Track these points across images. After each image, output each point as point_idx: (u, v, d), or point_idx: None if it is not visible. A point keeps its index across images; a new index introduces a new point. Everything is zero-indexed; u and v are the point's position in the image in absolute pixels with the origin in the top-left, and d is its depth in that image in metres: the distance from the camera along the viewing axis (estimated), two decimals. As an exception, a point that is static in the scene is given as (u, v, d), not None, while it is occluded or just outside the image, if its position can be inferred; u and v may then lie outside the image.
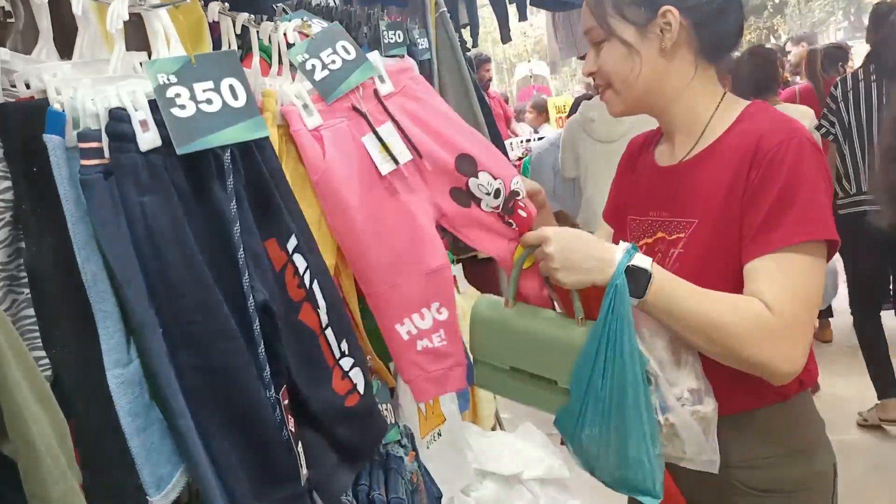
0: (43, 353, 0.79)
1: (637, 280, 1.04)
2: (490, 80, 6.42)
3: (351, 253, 1.08)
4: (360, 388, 0.98)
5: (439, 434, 2.35)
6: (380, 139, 1.09)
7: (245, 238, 0.86)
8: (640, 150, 1.36)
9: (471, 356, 1.23)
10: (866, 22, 3.55)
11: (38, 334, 0.79)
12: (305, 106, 1.07)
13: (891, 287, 3.54)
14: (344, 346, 0.97)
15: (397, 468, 1.27)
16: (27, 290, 0.80)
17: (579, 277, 1.08)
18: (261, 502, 0.83)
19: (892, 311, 3.58)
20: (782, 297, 1.03)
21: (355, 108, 1.09)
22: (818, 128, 3.24)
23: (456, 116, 1.17)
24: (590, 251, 1.08)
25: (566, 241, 1.09)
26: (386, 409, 1.29)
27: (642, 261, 1.06)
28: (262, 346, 0.85)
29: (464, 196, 1.13)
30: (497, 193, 1.12)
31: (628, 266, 1.05)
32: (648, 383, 1.07)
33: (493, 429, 2.78)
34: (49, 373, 0.79)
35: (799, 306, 1.04)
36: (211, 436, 0.80)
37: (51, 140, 0.76)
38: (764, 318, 1.03)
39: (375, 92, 1.12)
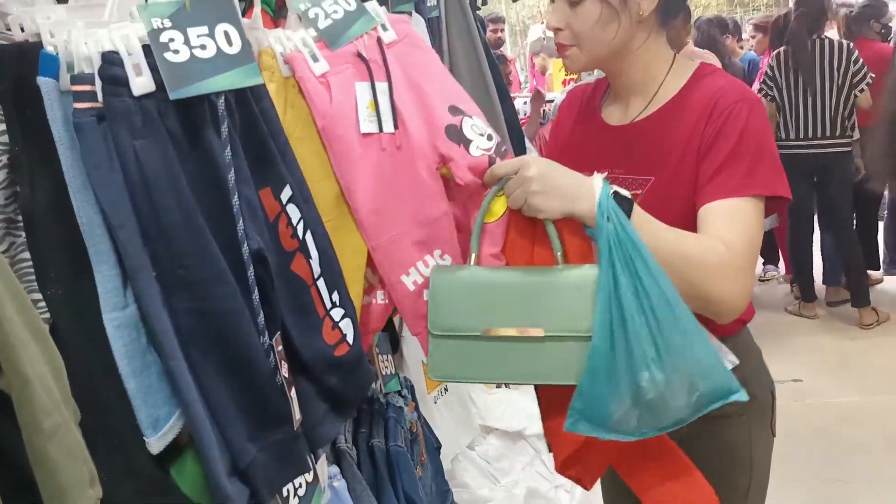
0: (40, 296, 0.80)
1: (621, 203, 1.02)
2: (501, 40, 6.31)
3: (356, 202, 1.07)
4: (350, 339, 0.98)
5: (446, 389, 2.39)
6: (374, 95, 1.07)
7: (240, 186, 0.87)
8: (586, 105, 1.37)
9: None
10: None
11: (34, 277, 0.80)
12: (311, 53, 1.06)
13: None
14: (335, 296, 0.98)
15: (397, 417, 1.29)
16: (24, 234, 0.81)
17: (560, 204, 1.02)
18: (255, 444, 0.85)
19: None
20: (738, 239, 1.07)
21: (360, 55, 1.08)
22: (759, 90, 4.20)
23: (450, 78, 1.17)
24: (570, 178, 1.04)
25: (546, 166, 1.05)
26: (387, 360, 1.31)
27: (621, 189, 1.04)
28: (257, 292, 0.86)
29: (456, 135, 1.09)
30: (490, 137, 1.09)
31: (612, 192, 1.02)
32: None
33: (498, 386, 2.81)
34: (47, 315, 0.80)
35: (750, 248, 1.09)
36: (205, 378, 0.82)
37: (45, 83, 0.77)
38: (726, 255, 1.05)
39: (379, 41, 1.11)
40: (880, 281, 4.72)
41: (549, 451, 1.20)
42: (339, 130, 1.06)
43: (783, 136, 4.20)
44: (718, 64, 3.78)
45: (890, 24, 4.41)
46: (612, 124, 1.29)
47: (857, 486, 2.75)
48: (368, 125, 1.06)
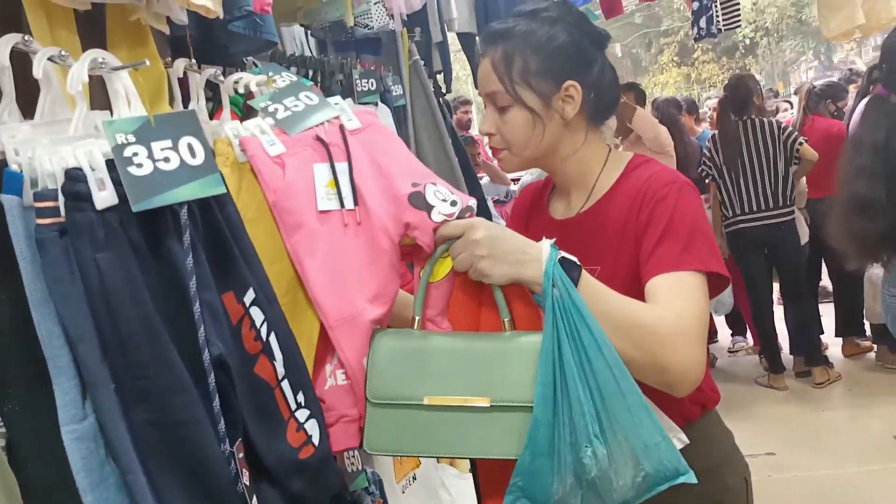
0: (-4, 412, 0.79)
1: (569, 270, 1.01)
2: (470, 121, 6.50)
3: (311, 280, 1.04)
4: (315, 441, 0.98)
5: (414, 478, 2.34)
6: (334, 174, 1.07)
7: (201, 292, 0.88)
8: (534, 202, 1.43)
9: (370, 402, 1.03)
10: (836, 61, 4.37)
11: (-9, 393, 0.79)
12: (269, 139, 1.07)
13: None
14: (300, 397, 0.98)
15: (363, 517, 1.27)
16: (-18, 348, 0.81)
17: (506, 269, 1.02)
18: (216, 557, 0.83)
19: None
20: (685, 308, 1.08)
21: (319, 139, 1.10)
22: (700, 171, 4.51)
23: (416, 160, 1.18)
24: (517, 243, 1.04)
25: (495, 230, 1.04)
26: (353, 457, 1.30)
27: (567, 255, 1.03)
28: (217, 399, 0.86)
29: (420, 201, 1.07)
30: (454, 203, 1.07)
31: (559, 257, 1.01)
32: None
33: (470, 471, 2.77)
34: (3, 430, 0.79)
35: (698, 317, 1.09)
36: (165, 491, 0.80)
37: (7, 200, 0.78)
38: (677, 322, 1.06)
39: (341, 127, 1.12)
40: (871, 349, 4.69)
41: None
42: (289, 204, 1.05)
43: (729, 212, 4.40)
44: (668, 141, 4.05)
45: (843, 108, 4.65)
46: (557, 218, 1.34)
47: (836, 563, 2.72)
48: (327, 203, 1.06)
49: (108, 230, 0.82)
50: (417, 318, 1.06)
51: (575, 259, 1.03)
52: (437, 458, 1.05)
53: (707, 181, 4.48)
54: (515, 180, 5.09)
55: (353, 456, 1.30)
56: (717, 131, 4.50)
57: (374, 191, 1.09)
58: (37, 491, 0.77)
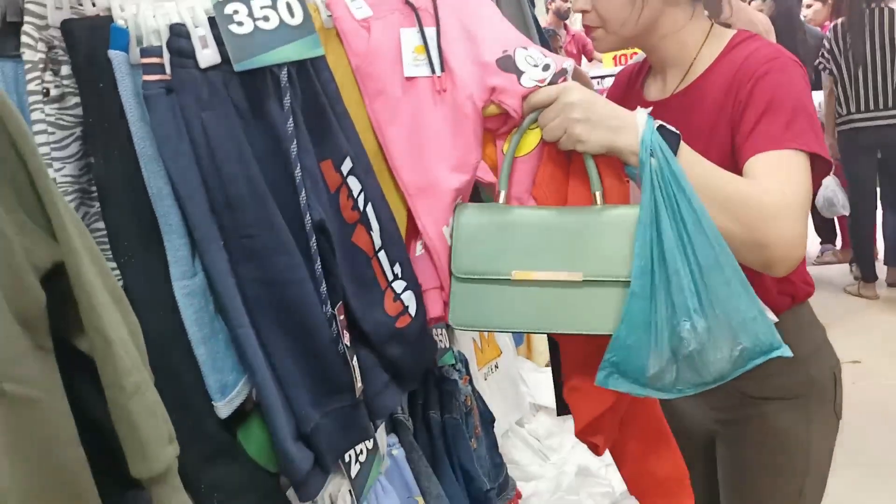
0: (114, 264, 0.82)
1: (668, 138, 0.95)
2: (569, 10, 6.04)
3: (391, 145, 1.01)
4: (412, 311, 0.99)
5: (496, 366, 2.39)
6: (424, 39, 1.03)
7: (302, 157, 0.88)
8: (628, 85, 1.35)
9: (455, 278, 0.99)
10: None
11: (108, 245, 0.83)
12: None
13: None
14: (397, 269, 0.99)
15: (452, 390, 1.30)
16: (98, 204, 0.83)
17: (602, 135, 0.96)
18: (317, 410, 0.86)
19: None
20: (789, 185, 1.01)
21: (407, 2, 1.05)
22: (817, 64, 4.17)
23: (507, 25, 1.11)
24: (613, 108, 0.98)
25: (589, 94, 0.99)
26: (440, 335, 1.32)
27: (666, 124, 0.97)
28: (319, 262, 0.88)
29: (510, 64, 1.01)
30: (546, 67, 1.01)
31: (657, 125, 0.95)
32: None
33: (548, 364, 2.81)
34: (120, 283, 0.83)
35: (803, 195, 1.02)
36: (271, 346, 0.83)
37: (115, 56, 0.79)
38: (781, 197, 0.99)
39: None
40: None
41: (559, 413, 1.13)
42: (373, 69, 1.02)
43: (843, 110, 4.10)
44: (770, 28, 3.70)
45: None
46: (651, 100, 1.26)
47: (917, 470, 2.68)
48: (414, 69, 1.02)
49: (211, 89, 0.82)
50: (503, 192, 1.01)
51: (674, 128, 0.97)
52: (523, 332, 1.01)
53: (825, 74, 4.13)
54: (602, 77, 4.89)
55: (441, 333, 1.32)
56: (841, 20, 4.07)
57: (461, 56, 1.04)
58: (151, 340, 0.79)
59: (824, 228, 4.99)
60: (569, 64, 1.02)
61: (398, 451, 1.04)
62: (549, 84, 1.00)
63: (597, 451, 1.14)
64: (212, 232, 0.81)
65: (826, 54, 4.10)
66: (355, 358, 0.91)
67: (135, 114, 0.80)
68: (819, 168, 1.08)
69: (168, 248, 0.82)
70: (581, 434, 1.10)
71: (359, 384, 0.90)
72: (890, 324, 3.96)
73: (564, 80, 1.02)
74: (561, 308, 0.94)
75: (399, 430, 1.20)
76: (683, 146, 0.98)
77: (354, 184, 0.95)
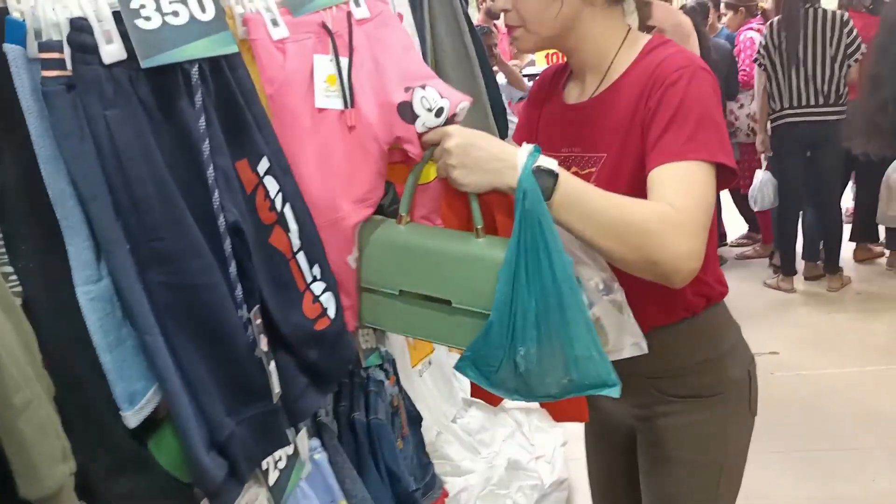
0: (11, 269, 0.78)
1: (543, 181, 0.99)
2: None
3: (304, 179, 1.01)
4: (331, 313, 0.98)
5: (429, 363, 2.39)
6: (338, 69, 1.03)
7: (215, 157, 0.85)
8: (550, 85, 1.37)
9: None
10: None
11: (5, 250, 0.78)
12: (272, 17, 1.00)
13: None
14: (316, 270, 0.97)
15: (378, 391, 1.29)
16: (-8, 205, 0.79)
17: (479, 178, 1.02)
18: (233, 418, 0.84)
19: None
20: (683, 199, 1.04)
21: (325, 27, 1.04)
22: (755, 60, 4.33)
23: (415, 56, 1.14)
24: (492, 150, 1.02)
25: (468, 138, 1.03)
26: (367, 334, 1.31)
27: (547, 161, 1.01)
28: (234, 265, 0.85)
29: (408, 113, 1.04)
30: (440, 112, 1.04)
31: (534, 166, 0.99)
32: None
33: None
34: (19, 289, 0.78)
35: (698, 208, 1.05)
36: (182, 352, 0.81)
37: (11, 49, 0.74)
38: (670, 214, 1.02)
39: (349, 14, 1.07)
40: (882, 254, 4.73)
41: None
42: (287, 100, 1.00)
43: (777, 105, 4.21)
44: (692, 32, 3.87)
45: None
46: (570, 103, 1.28)
47: (831, 457, 2.80)
48: (325, 100, 1.02)
49: (117, 87, 0.79)
50: (403, 215, 1.08)
51: (552, 166, 1.01)
52: (412, 337, 1.21)
53: (759, 70, 4.28)
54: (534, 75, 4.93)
55: (368, 334, 1.31)
56: (777, 18, 4.22)
57: (369, 93, 1.05)
58: (53, 349, 0.76)
59: (751, 220, 5.17)
60: (463, 105, 1.07)
61: (320, 456, 1.02)
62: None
63: (493, 403, 1.30)
64: (117, 235, 0.78)
65: (762, 50, 4.23)
66: (272, 363, 0.89)
67: (33, 111, 0.76)
68: (725, 176, 1.11)
69: (70, 252, 0.78)
70: (557, 420, 1.24)
71: (276, 390, 0.88)
72: (806, 316, 4.14)
73: (456, 121, 1.06)
74: (435, 323, 1.05)
75: (323, 433, 1.18)
76: (564, 179, 1.01)
77: (272, 184, 0.93)
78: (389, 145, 1.05)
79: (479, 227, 1.03)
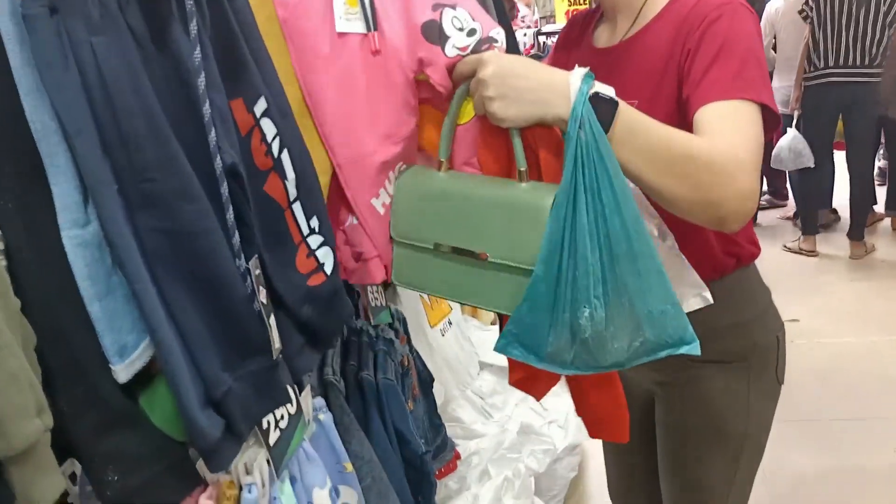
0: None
1: (602, 110, 0.88)
2: None
3: (321, 112, 0.94)
4: (327, 269, 0.91)
5: (450, 322, 2.35)
6: None
7: (211, 93, 0.78)
8: (580, 29, 1.30)
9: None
10: None
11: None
12: None
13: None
14: (314, 222, 0.90)
15: (387, 350, 1.24)
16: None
17: (523, 110, 0.90)
18: (231, 374, 0.79)
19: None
20: (738, 137, 0.96)
21: None
22: (800, 11, 4.14)
23: None
24: (538, 77, 0.90)
25: (507, 65, 0.91)
26: (376, 292, 1.25)
27: (604, 88, 0.89)
28: (231, 211, 0.79)
29: (435, 32, 0.95)
30: (472, 32, 0.95)
31: (591, 92, 0.88)
32: None
33: (493, 323, 2.77)
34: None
35: (754, 149, 0.97)
36: (175, 303, 0.75)
37: (-14, -33, 0.68)
38: (731, 151, 0.93)
39: None
40: (882, 219, 4.75)
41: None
42: (303, 24, 0.93)
43: (820, 63, 4.08)
44: None
45: None
46: (600, 47, 1.21)
47: (851, 427, 2.75)
48: (345, 24, 0.93)
49: (104, 11, 0.72)
50: (443, 160, 0.98)
51: (611, 93, 0.89)
52: (446, 299, 1.04)
53: (806, 22, 4.13)
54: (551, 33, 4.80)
55: (377, 291, 1.25)
56: None
57: (392, 15, 0.96)
58: (36, 296, 0.71)
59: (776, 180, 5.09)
60: (496, 32, 0.95)
61: (325, 416, 0.97)
62: (473, 52, 0.94)
63: (535, 396, 1.16)
64: (104, 175, 0.71)
65: (810, 2, 4.07)
66: (272, 316, 0.83)
67: (12, 36, 0.69)
68: (768, 121, 1.03)
69: (56, 193, 0.72)
70: (516, 384, 1.10)
71: (276, 345, 0.83)
72: (828, 284, 4.06)
73: (490, 48, 0.94)
74: (470, 282, 0.95)
75: (329, 392, 1.13)
76: (623, 109, 0.90)
77: (269, 127, 0.86)
78: (417, 73, 0.95)
79: (522, 169, 0.92)
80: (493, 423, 2.45)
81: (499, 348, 0.94)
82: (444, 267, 0.97)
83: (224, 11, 0.82)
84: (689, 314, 1.13)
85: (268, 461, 0.84)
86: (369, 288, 1.22)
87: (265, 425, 0.84)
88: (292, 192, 0.90)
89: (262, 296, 0.82)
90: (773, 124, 1.04)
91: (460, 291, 0.97)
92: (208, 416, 0.75)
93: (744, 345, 1.26)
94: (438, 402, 2.33)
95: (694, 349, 0.91)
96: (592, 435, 1.21)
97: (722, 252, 1.20)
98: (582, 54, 1.24)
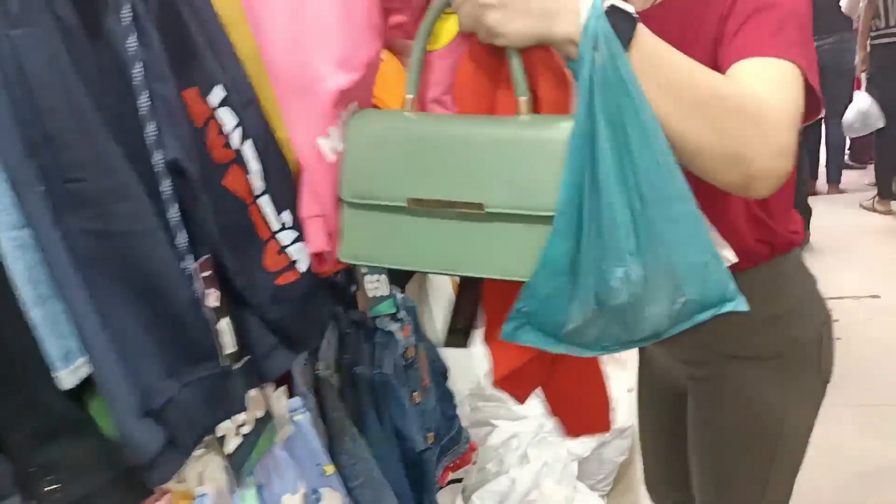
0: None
1: (620, 26, 0.72)
2: None
3: (271, 38, 0.81)
4: (301, 267, 0.85)
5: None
6: None
7: (152, 83, 0.73)
8: None
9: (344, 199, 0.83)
10: None
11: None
12: None
13: None
14: (286, 217, 0.85)
15: (385, 343, 1.19)
16: None
17: (527, 24, 0.73)
18: (176, 381, 0.75)
19: None
20: (777, 93, 0.81)
21: None
22: None
23: None
24: None
25: None
26: (377, 281, 1.20)
27: (621, 2, 0.74)
28: (175, 209, 0.75)
29: None
30: None
31: (607, 6, 0.72)
32: None
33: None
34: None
35: (793, 107, 0.82)
36: (110, 309, 0.71)
37: None
38: (767, 100, 0.79)
39: None
40: None
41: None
42: None
43: (882, 22, 3.96)
44: None
45: None
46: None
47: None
48: None
49: (24, 2, 0.67)
50: (410, 97, 0.82)
51: (630, 9, 0.73)
52: (424, 271, 0.86)
53: None
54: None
55: (378, 280, 1.19)
56: None
57: None
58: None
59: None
60: None
61: (302, 417, 0.93)
62: None
63: (519, 399, 1.02)
64: (27, 175, 0.68)
65: None
66: (224, 320, 0.78)
67: (-72, 30, 0.66)
68: (809, 102, 0.88)
69: (-11, 194, 0.69)
70: (500, 384, 0.96)
71: (229, 350, 0.78)
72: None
73: None
74: (462, 245, 0.76)
75: (322, 388, 1.09)
76: (641, 33, 0.74)
77: (228, 117, 0.81)
78: None
79: (523, 98, 0.75)
80: (538, 403, 2.38)
81: (506, 335, 0.78)
82: (421, 230, 0.77)
83: (171, -5, 0.77)
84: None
85: (225, 470, 0.81)
86: (367, 277, 1.17)
87: (221, 433, 0.80)
88: (258, 186, 0.84)
89: (212, 298, 0.77)
90: (813, 107, 0.90)
91: (448, 259, 0.78)
92: (146, 428, 0.72)
93: (780, 340, 1.14)
94: (479, 380, 2.28)
95: (740, 304, 0.77)
96: (573, 434, 1.10)
97: (754, 239, 1.08)
98: None
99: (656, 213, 0.72)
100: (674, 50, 0.77)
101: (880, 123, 4.11)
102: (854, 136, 4.33)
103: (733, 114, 0.76)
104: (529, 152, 0.73)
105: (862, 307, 3.09)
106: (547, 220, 0.72)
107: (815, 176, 4.82)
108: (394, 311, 1.23)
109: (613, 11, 0.72)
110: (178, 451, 0.75)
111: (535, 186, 0.72)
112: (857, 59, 4.19)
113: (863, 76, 4.23)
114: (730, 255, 0.92)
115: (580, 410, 1.03)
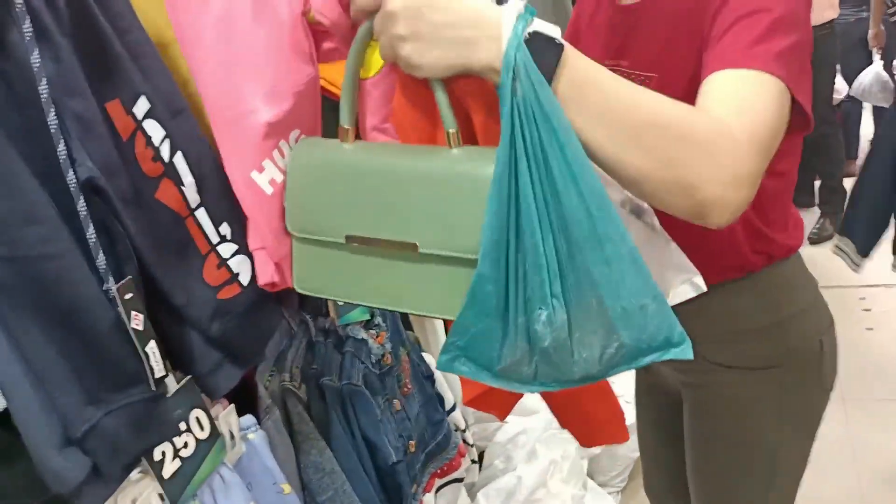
0: None
1: (541, 55, 0.67)
2: None
3: (196, 61, 0.79)
4: (243, 280, 0.83)
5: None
6: None
7: (64, 98, 0.70)
8: None
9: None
10: None
11: None
12: None
13: None
14: (224, 229, 0.82)
15: (355, 352, 1.15)
16: None
17: (443, 55, 0.68)
18: (100, 408, 0.72)
19: None
20: (741, 112, 0.75)
21: None
22: None
23: None
24: (460, 12, 0.68)
25: None
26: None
27: (545, 26, 0.68)
28: (92, 229, 0.71)
29: None
30: None
31: (527, 32, 0.67)
32: None
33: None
34: None
35: (759, 126, 0.75)
36: (23, 336, 0.68)
37: None
38: (724, 124, 0.73)
39: None
40: None
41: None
42: None
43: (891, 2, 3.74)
44: None
45: None
46: (623, 3, 1.02)
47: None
48: None
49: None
50: (347, 128, 0.79)
51: (555, 34, 0.68)
52: (370, 307, 0.84)
53: None
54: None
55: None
56: None
57: None
58: None
59: None
60: None
61: (256, 435, 0.90)
62: None
63: (498, 416, 1.00)
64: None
65: None
66: (152, 342, 0.75)
67: None
68: (795, 119, 0.81)
69: None
70: (471, 404, 0.95)
71: (159, 374, 0.75)
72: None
73: None
74: (398, 284, 0.75)
75: (289, 401, 1.06)
76: (571, 58, 0.68)
77: (154, 129, 0.78)
78: (306, 10, 0.79)
79: (451, 130, 0.72)
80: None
81: (442, 365, 0.75)
82: (361, 267, 0.76)
83: (86, 5, 0.74)
84: (704, 313, 0.97)
85: (161, 496, 0.78)
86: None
87: (158, 456, 0.78)
88: (193, 199, 0.81)
89: (137, 321, 0.74)
90: (800, 124, 0.83)
91: (387, 297, 0.77)
92: (67, 457, 0.69)
93: (776, 349, 1.07)
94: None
95: (684, 352, 0.71)
96: (586, 445, 1.08)
97: (751, 251, 1.01)
98: (608, 10, 1.06)
99: (586, 254, 0.68)
100: (610, 74, 0.71)
101: (888, 101, 3.79)
102: (863, 98, 4.01)
103: (677, 141, 0.70)
104: (457, 191, 0.71)
105: (893, 296, 2.96)
106: (473, 262, 0.69)
107: (853, 155, 4.58)
108: (367, 318, 1.20)
109: (535, 38, 0.67)
110: (104, 479, 0.72)
111: (461, 228, 0.70)
112: (870, 35, 3.95)
113: (874, 51, 3.97)
114: (700, 282, 0.86)
115: (590, 421, 1.00)
